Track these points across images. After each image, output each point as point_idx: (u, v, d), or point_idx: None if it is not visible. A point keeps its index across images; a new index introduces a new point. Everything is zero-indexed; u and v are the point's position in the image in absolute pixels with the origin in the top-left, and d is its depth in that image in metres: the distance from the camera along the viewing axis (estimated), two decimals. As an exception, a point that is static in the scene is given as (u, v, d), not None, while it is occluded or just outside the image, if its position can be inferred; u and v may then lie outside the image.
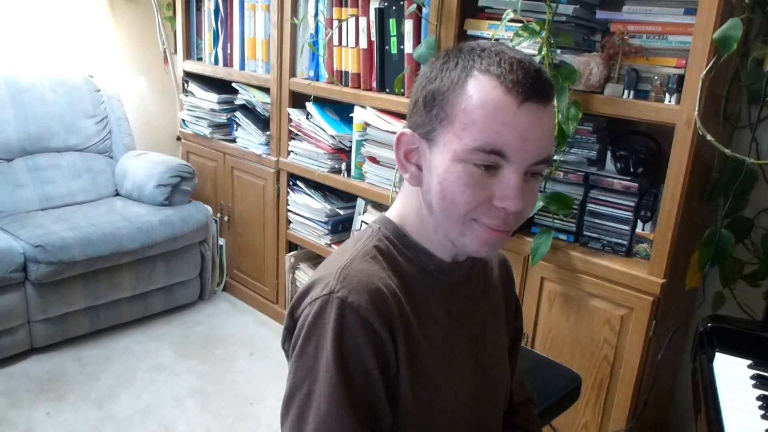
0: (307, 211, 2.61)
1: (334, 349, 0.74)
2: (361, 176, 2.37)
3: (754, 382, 1.14)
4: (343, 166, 2.45)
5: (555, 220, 1.85)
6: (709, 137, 1.48)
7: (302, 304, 0.80)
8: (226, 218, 3.06)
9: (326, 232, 2.54)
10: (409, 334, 0.79)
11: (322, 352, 0.75)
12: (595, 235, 1.81)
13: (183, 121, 3.16)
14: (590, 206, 1.80)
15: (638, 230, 1.75)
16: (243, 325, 2.88)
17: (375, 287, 0.77)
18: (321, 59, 2.42)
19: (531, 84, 0.73)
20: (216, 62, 2.95)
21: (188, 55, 3.15)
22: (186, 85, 3.12)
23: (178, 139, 3.23)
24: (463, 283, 0.90)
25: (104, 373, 2.43)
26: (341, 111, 2.49)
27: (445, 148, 0.76)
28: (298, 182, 2.64)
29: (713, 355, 1.25)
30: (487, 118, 0.74)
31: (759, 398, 1.09)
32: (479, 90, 0.74)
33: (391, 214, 0.89)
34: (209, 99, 2.94)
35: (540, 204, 1.78)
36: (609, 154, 1.79)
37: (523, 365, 1.60)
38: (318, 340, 0.75)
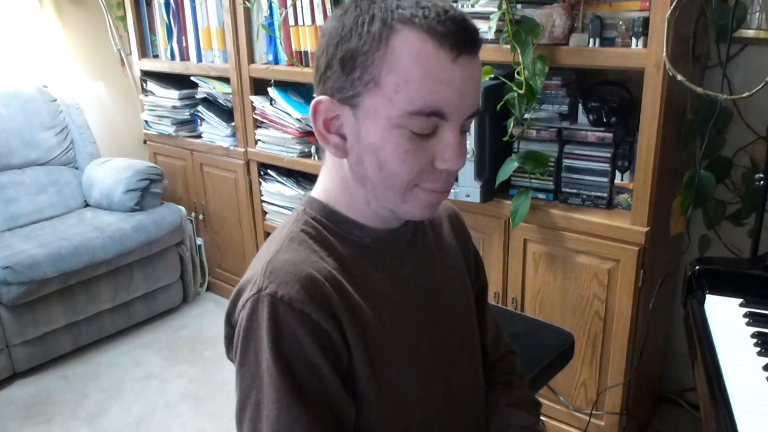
0: (281, 199, 2.55)
1: (272, 350, 0.68)
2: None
3: (747, 320, 1.11)
4: (313, 149, 2.39)
5: (532, 180, 1.80)
6: (679, 77, 1.44)
7: (236, 309, 0.74)
8: (201, 217, 2.99)
9: (303, 219, 2.47)
10: (355, 317, 0.73)
11: (262, 356, 0.69)
12: (574, 191, 1.77)
13: (146, 122, 3.07)
14: (566, 162, 1.76)
15: (617, 181, 1.71)
16: None
17: (306, 275, 0.71)
18: (278, 41, 2.34)
19: (463, 36, 0.68)
20: (173, 57, 2.86)
21: (144, 54, 3.05)
22: (144, 84, 3.03)
23: (145, 141, 3.14)
24: (409, 248, 0.84)
25: (92, 390, 2.36)
26: (305, 93, 2.42)
27: (376, 115, 0.69)
28: (269, 171, 2.58)
29: (704, 298, 1.22)
30: (422, 78, 0.67)
31: (754, 335, 1.06)
32: (407, 46, 0.67)
33: (316, 192, 0.82)
34: (170, 96, 2.86)
35: (516, 165, 1.74)
36: (580, 107, 1.74)
37: (514, 329, 1.58)
38: (256, 345, 0.70)
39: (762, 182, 1.32)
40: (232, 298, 0.76)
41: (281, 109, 2.39)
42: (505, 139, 1.75)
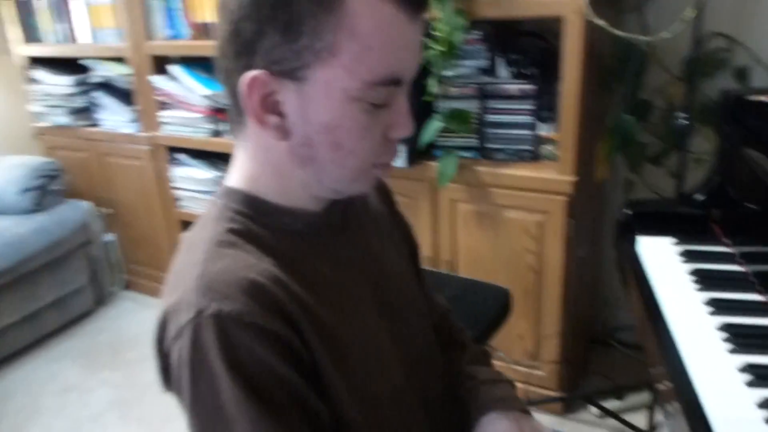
0: (194, 183, 2.41)
1: (234, 378, 0.59)
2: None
3: (683, 258, 1.12)
4: (224, 127, 2.26)
5: (456, 139, 1.77)
6: (600, 22, 1.43)
7: (167, 338, 0.63)
8: (109, 211, 2.79)
9: (221, 202, 2.35)
10: (309, 314, 0.66)
11: (220, 387, 0.59)
12: (499, 146, 1.75)
13: (36, 114, 2.81)
14: (489, 117, 1.74)
15: (541, 133, 1.71)
16: (151, 320, 2.60)
17: (249, 282, 0.62)
18: (178, 13, 2.18)
19: None
20: (61, 40, 2.62)
21: (28, 39, 2.77)
22: (31, 72, 2.77)
23: (37, 135, 2.88)
24: (343, 226, 0.77)
25: (7, 410, 2.16)
26: (211, 68, 2.28)
27: (330, 87, 0.61)
28: (179, 154, 2.43)
29: (637, 240, 1.22)
30: (386, 43, 0.60)
31: (691, 273, 1.07)
32: (366, 8, 0.59)
33: (235, 180, 0.71)
34: (60, 83, 2.62)
35: (439, 124, 1.70)
36: (501, 60, 1.71)
37: (451, 291, 1.56)
38: (209, 378, 0.60)
39: (683, 121, 1.34)
40: (159, 325, 0.65)
41: (186, 86, 2.24)
42: (425, 98, 1.71)
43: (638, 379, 1.89)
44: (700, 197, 1.24)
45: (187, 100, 2.26)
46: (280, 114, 0.64)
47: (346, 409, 0.68)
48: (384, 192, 0.91)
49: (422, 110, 1.77)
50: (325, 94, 0.62)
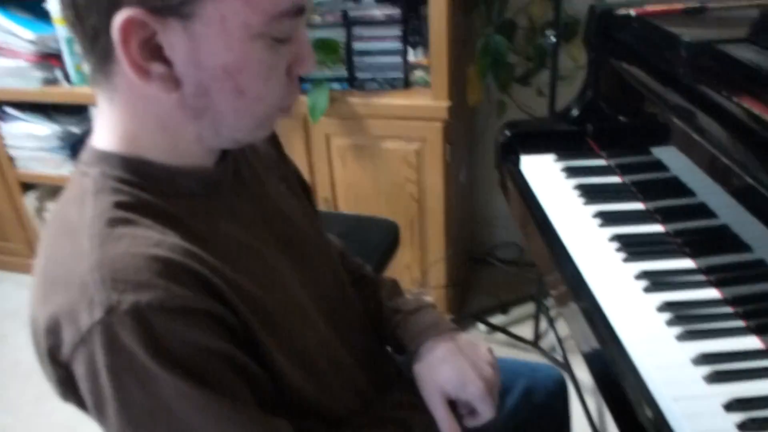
0: (33, 140, 2.12)
1: (171, 373, 0.51)
2: (85, 80, 1.95)
3: (565, 174, 1.14)
4: (59, 74, 1.99)
5: (325, 71, 1.68)
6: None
7: (63, 346, 0.52)
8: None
9: (66, 157, 2.10)
10: (229, 283, 0.57)
11: (158, 388, 0.51)
12: (370, 75, 1.69)
13: None
14: (357, 45, 1.66)
15: (411, 58, 1.66)
16: (1, 295, 2.40)
17: (161, 261, 0.52)
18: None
19: None
20: None
21: None
22: None
23: None
24: (237, 179, 0.68)
25: None
26: (32, 7, 1.97)
27: (227, 23, 0.52)
28: (8, 109, 2.12)
29: (518, 160, 1.23)
30: None
31: (576, 187, 1.09)
32: None
33: (109, 141, 0.59)
34: None
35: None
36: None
37: (336, 230, 1.51)
38: (141, 380, 0.51)
39: (551, 39, 1.35)
40: (46, 332, 0.53)
41: (6, 30, 1.93)
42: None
43: (520, 292, 1.99)
44: (574, 113, 1.27)
45: (10, 46, 1.95)
46: (166, 61, 0.53)
47: (285, 371, 0.62)
48: (271, 134, 0.82)
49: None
50: (221, 32, 0.52)
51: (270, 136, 0.81)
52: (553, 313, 1.90)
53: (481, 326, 1.93)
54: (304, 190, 0.86)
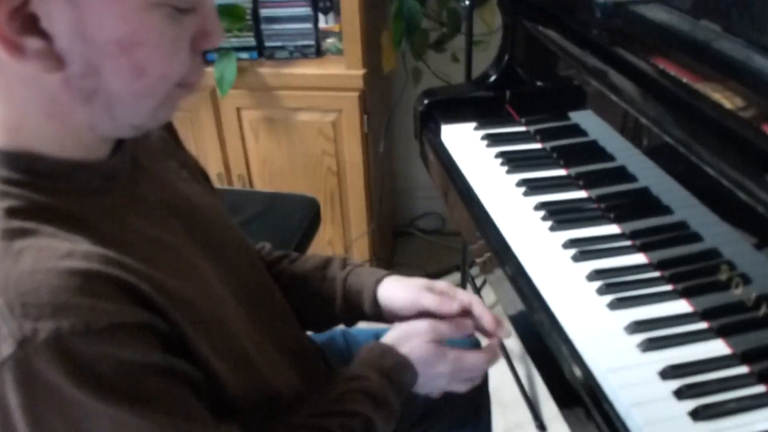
0: None
1: (105, 401, 0.45)
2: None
3: (486, 142, 1.12)
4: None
5: (231, 39, 1.58)
6: None
7: None
8: None
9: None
10: (154, 286, 0.50)
11: (90, 422, 0.45)
12: (279, 44, 1.60)
13: None
14: (264, 12, 1.57)
15: (322, 25, 1.59)
16: None
17: (79, 275, 0.45)
18: None
19: None
20: None
21: None
22: None
23: None
24: (136, 168, 0.60)
25: None
26: None
27: None
28: None
29: (439, 130, 1.20)
30: None
31: (497, 156, 1.07)
32: None
33: None
34: None
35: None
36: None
37: (253, 209, 1.44)
38: (67, 417, 0.44)
39: (465, 3, 1.31)
40: None
41: None
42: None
43: (445, 263, 1.99)
44: (492, 79, 1.25)
45: None
46: (43, 34, 0.44)
47: (218, 371, 0.56)
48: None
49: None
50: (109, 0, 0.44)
51: None
52: (478, 282, 1.91)
53: (407, 298, 1.91)
54: (204, 175, 0.79)
